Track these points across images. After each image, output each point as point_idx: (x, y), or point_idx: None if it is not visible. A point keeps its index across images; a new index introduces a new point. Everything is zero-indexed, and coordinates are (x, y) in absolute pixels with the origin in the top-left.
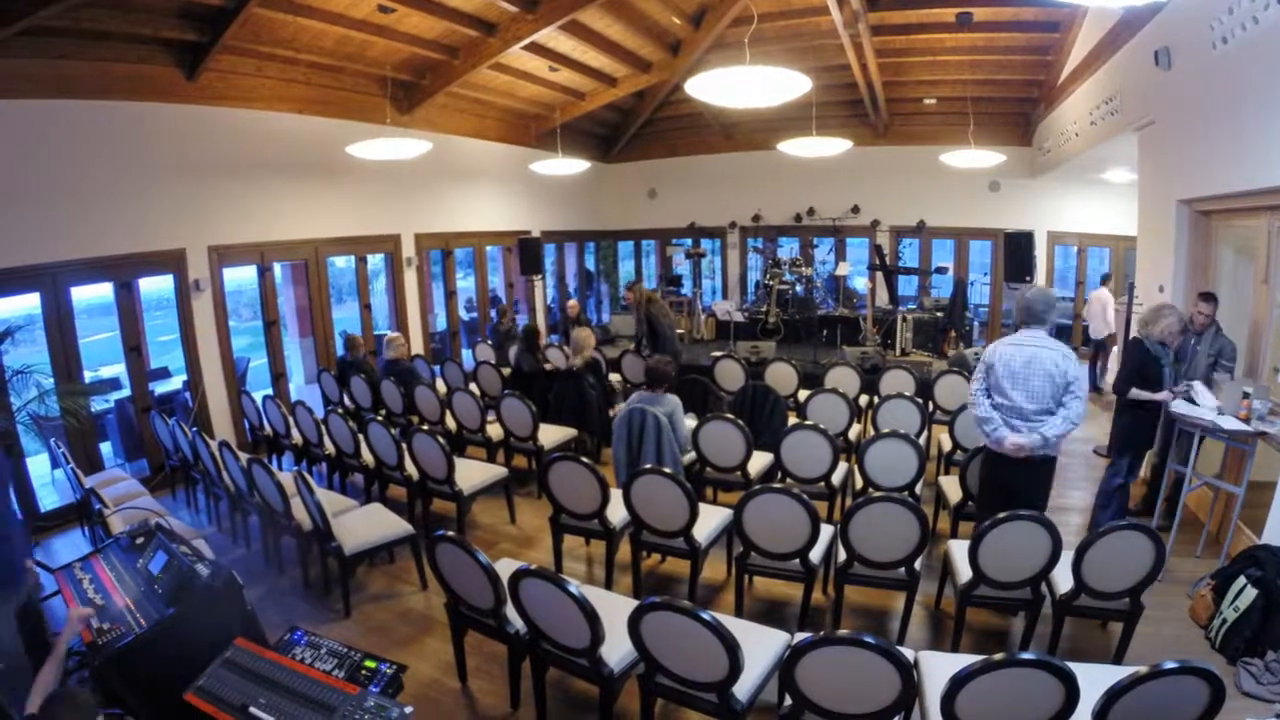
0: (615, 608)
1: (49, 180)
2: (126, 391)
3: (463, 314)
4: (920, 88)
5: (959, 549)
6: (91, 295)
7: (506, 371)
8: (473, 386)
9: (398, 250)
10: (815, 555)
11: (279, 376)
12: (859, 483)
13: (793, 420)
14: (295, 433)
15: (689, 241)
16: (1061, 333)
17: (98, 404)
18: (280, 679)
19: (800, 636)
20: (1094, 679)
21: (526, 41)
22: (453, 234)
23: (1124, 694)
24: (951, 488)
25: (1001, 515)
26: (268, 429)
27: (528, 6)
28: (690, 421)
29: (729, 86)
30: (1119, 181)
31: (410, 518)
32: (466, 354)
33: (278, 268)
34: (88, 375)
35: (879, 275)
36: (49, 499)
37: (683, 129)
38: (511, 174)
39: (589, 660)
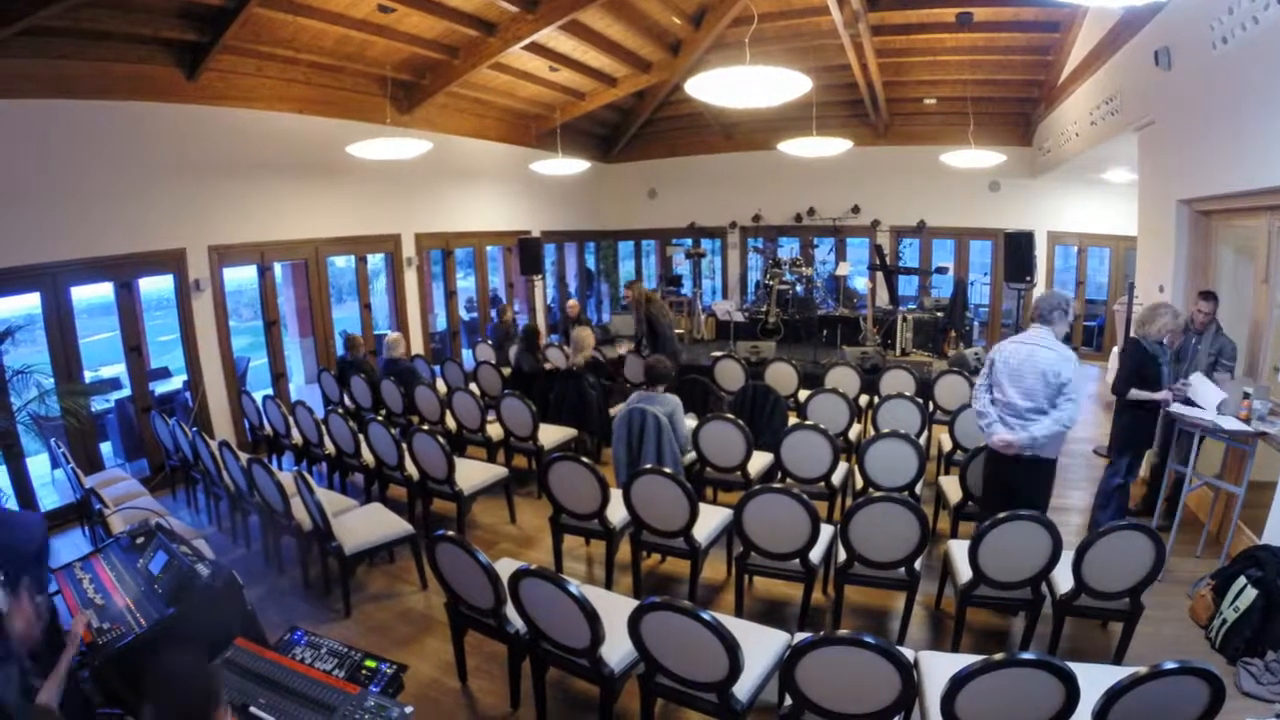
0: (615, 608)
1: (49, 180)
2: (127, 391)
3: (463, 314)
4: (920, 88)
5: (959, 549)
6: (92, 295)
7: (507, 371)
8: (473, 386)
9: (398, 250)
10: (815, 555)
11: (279, 376)
12: (859, 483)
13: (793, 420)
14: (295, 432)
15: (689, 241)
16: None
17: (98, 404)
18: (280, 679)
19: (800, 636)
20: (1094, 679)
21: (526, 41)
22: (453, 234)
23: (1124, 694)
24: (952, 488)
25: (1001, 515)
26: (268, 429)
27: (528, 6)
28: (690, 421)
29: (729, 86)
30: (1119, 181)
31: (410, 517)
32: (467, 354)
33: (278, 267)
34: (88, 375)
35: (879, 275)
36: (49, 499)
37: (683, 129)
38: (512, 174)
39: (589, 660)
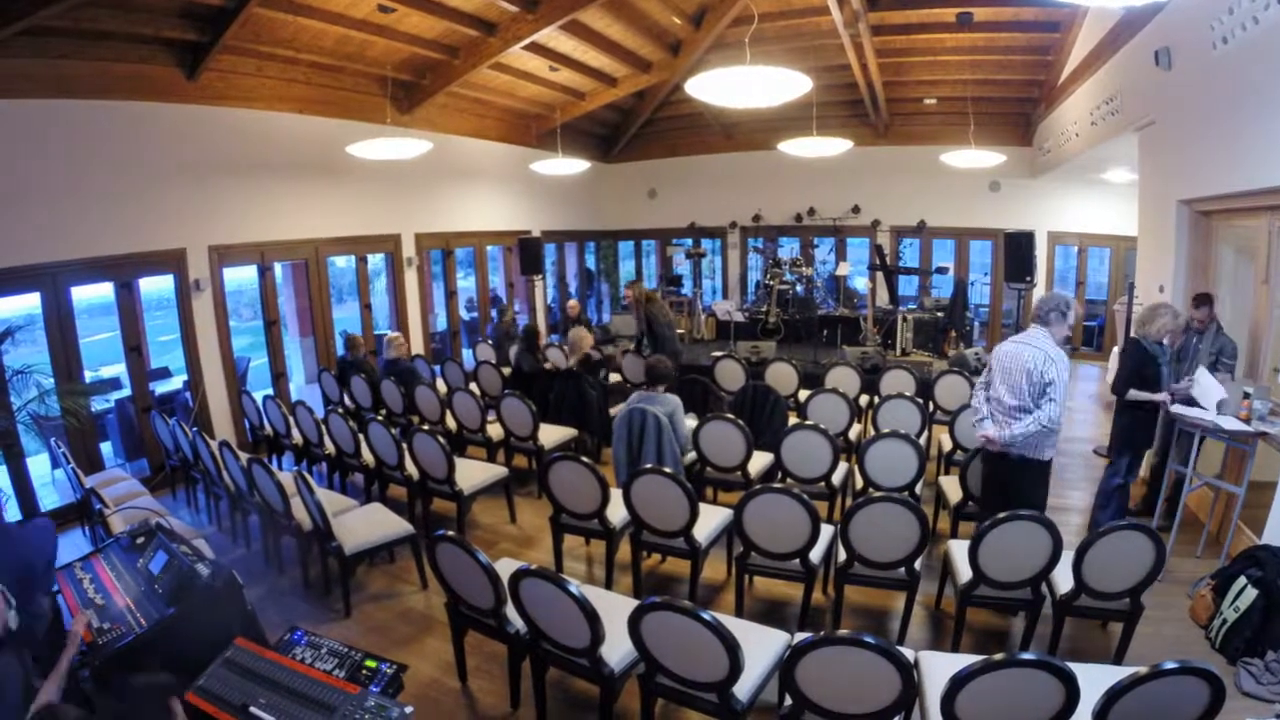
0: (615, 608)
1: (49, 180)
2: (127, 391)
3: (463, 314)
4: (920, 88)
5: (959, 549)
6: (92, 295)
7: (507, 371)
8: (473, 386)
9: (398, 250)
10: (815, 555)
11: (279, 376)
12: (859, 483)
13: (793, 420)
14: (295, 432)
15: (689, 241)
16: None
17: (98, 404)
18: (281, 679)
19: (800, 636)
20: (1094, 679)
21: (527, 41)
22: (453, 234)
23: (1124, 694)
24: (952, 488)
25: (1001, 515)
26: (268, 429)
27: (528, 6)
28: (690, 421)
29: (729, 86)
30: (1119, 182)
31: (410, 517)
32: (467, 354)
33: (278, 267)
34: (88, 375)
35: (879, 275)
36: (49, 499)
37: (683, 129)
38: (512, 174)
39: (589, 660)
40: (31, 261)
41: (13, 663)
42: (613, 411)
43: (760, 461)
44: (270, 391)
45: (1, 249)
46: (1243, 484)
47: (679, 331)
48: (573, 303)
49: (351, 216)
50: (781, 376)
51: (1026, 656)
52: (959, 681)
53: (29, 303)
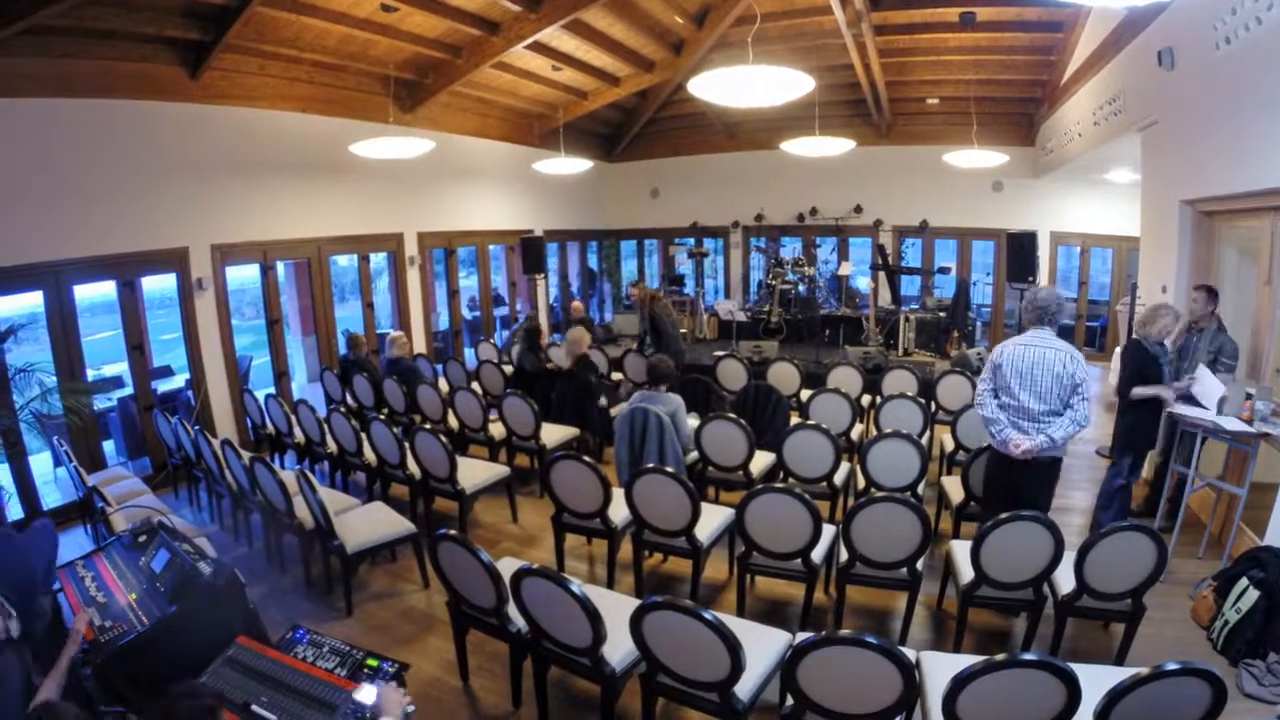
0: (617, 607)
1: (52, 179)
2: (129, 390)
3: (465, 313)
4: (923, 87)
5: (961, 549)
6: (94, 294)
7: (509, 370)
8: (475, 385)
9: (400, 249)
10: (817, 555)
11: (281, 375)
12: (861, 483)
13: (795, 420)
14: (297, 431)
15: (692, 241)
16: (1065, 332)
17: (100, 402)
18: (282, 677)
19: (802, 636)
20: (1096, 680)
21: (529, 41)
22: (455, 233)
23: (1126, 695)
24: (954, 488)
25: (1003, 516)
26: (270, 427)
27: (530, 6)
28: (692, 421)
29: (732, 86)
30: (1122, 182)
31: (412, 516)
32: (469, 353)
33: (280, 266)
34: (90, 373)
35: (881, 275)
36: (51, 497)
37: (685, 128)
38: (514, 173)
39: (591, 659)
40: (34, 260)
41: (13, 661)
42: (614, 411)
43: (762, 461)
44: (272, 390)
45: (4, 247)
46: (1245, 485)
47: (681, 331)
48: (576, 304)
49: (354, 215)
50: (783, 376)
51: (1028, 657)
52: (960, 682)
53: (31, 301)
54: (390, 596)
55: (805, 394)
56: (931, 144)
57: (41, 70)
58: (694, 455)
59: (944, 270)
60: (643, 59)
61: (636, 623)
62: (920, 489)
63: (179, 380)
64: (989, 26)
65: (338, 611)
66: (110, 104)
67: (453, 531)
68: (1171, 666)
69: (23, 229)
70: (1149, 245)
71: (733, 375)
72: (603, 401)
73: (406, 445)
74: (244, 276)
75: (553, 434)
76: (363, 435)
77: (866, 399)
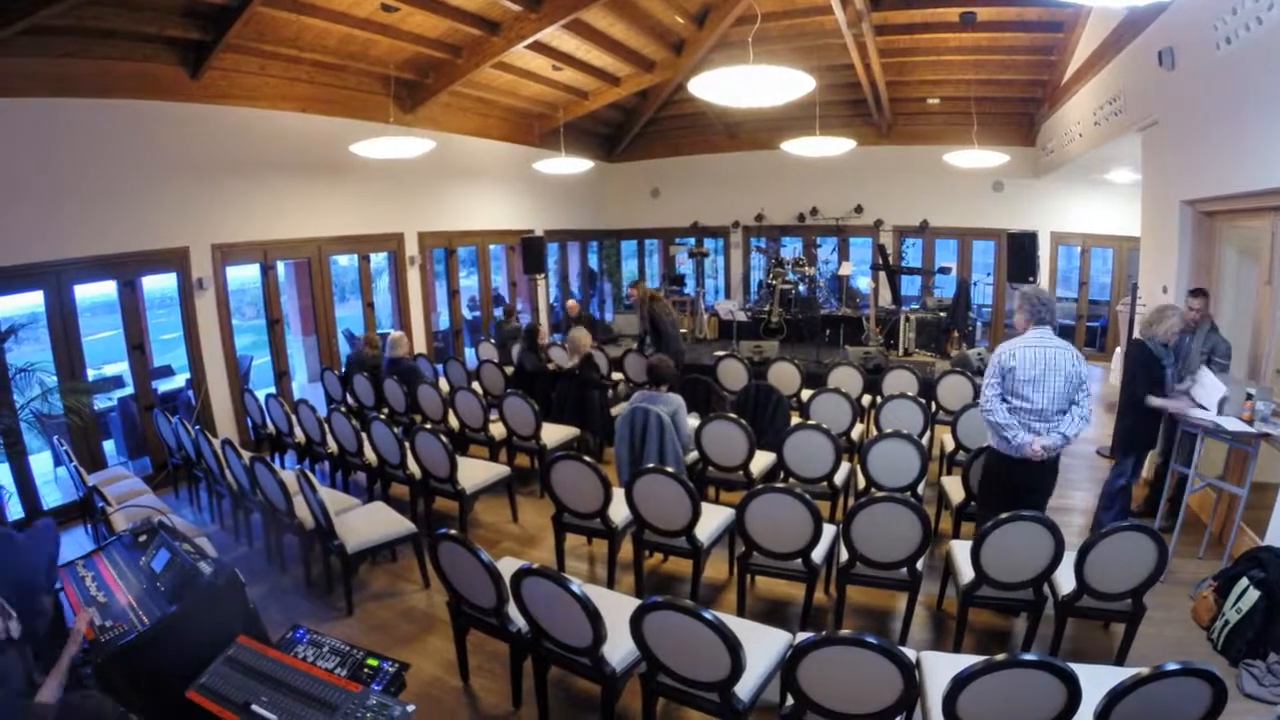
0: (617, 607)
1: (52, 179)
2: (129, 389)
3: (466, 313)
4: (924, 87)
5: (961, 549)
6: (95, 293)
7: (509, 370)
8: (476, 385)
9: (401, 249)
10: (817, 555)
11: (282, 375)
12: (861, 483)
13: (795, 420)
14: (298, 431)
15: (692, 241)
16: (1065, 332)
17: (100, 402)
18: (282, 677)
19: (802, 636)
20: (1096, 680)
21: (530, 41)
22: (456, 233)
23: (1126, 695)
24: (954, 488)
25: (1004, 516)
26: (270, 427)
27: (531, 6)
28: (693, 421)
29: (732, 86)
30: (1123, 182)
31: (413, 516)
32: (469, 353)
33: (281, 266)
34: (91, 373)
35: (882, 275)
36: (52, 496)
37: (686, 128)
38: (515, 173)
39: (591, 659)
40: (34, 260)
41: (14, 661)
42: (614, 411)
43: (762, 461)
44: (273, 390)
45: (4, 247)
46: (1245, 485)
47: (681, 331)
48: (572, 303)
49: (354, 215)
50: (784, 376)
51: (1028, 657)
52: (961, 682)
53: (32, 301)
54: (390, 596)
55: (806, 394)
56: (932, 144)
57: (42, 70)
58: (694, 455)
59: (944, 270)
60: (643, 59)
61: (637, 623)
62: (920, 489)
63: (179, 380)
64: (989, 26)
65: (338, 611)
66: (111, 104)
67: (453, 531)
68: (1172, 667)
69: (23, 229)
70: (1149, 245)
71: (733, 375)
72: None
73: (407, 445)
74: (244, 276)
75: (553, 434)
76: (363, 435)
77: (867, 399)
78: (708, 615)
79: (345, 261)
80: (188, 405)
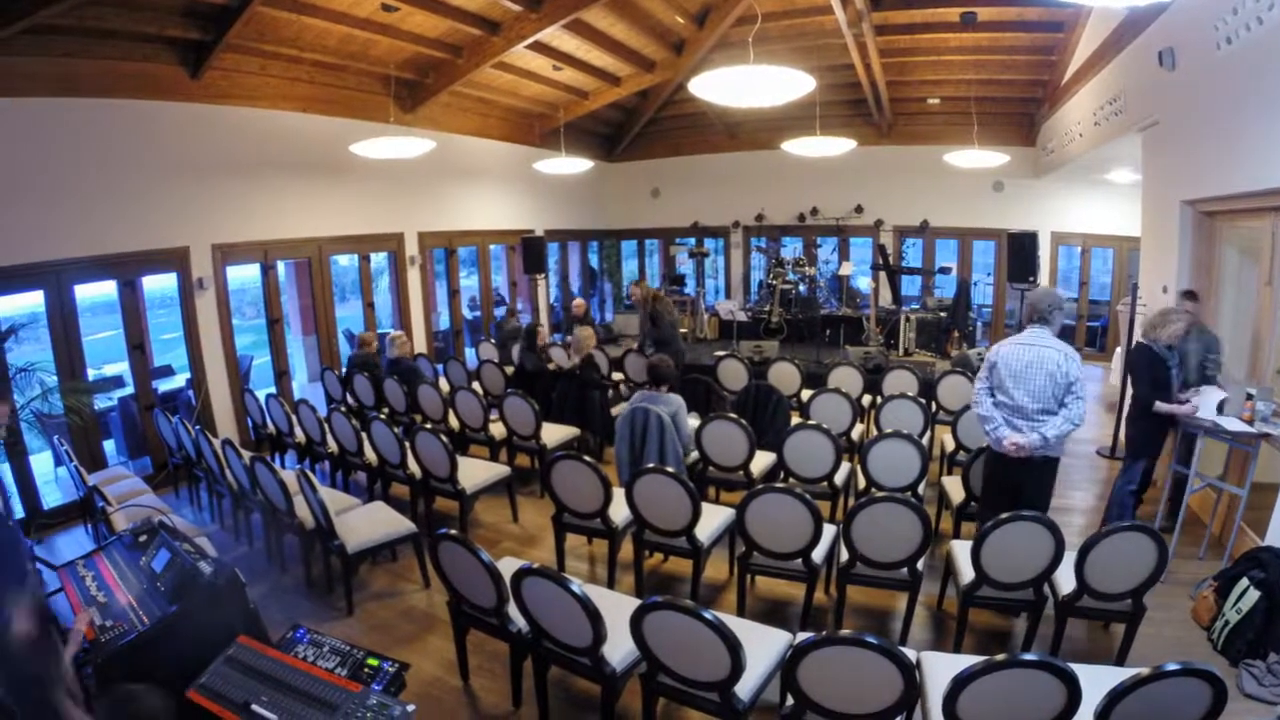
0: (617, 607)
1: (53, 178)
2: (130, 389)
3: (466, 313)
4: (924, 87)
5: (961, 549)
6: (95, 293)
7: (510, 370)
8: (476, 385)
9: (401, 249)
10: (818, 555)
11: (282, 374)
12: (861, 483)
13: (795, 420)
14: (298, 431)
15: (692, 241)
16: (1066, 332)
17: (101, 401)
18: (283, 677)
19: (802, 636)
20: (1096, 680)
21: (530, 40)
22: (456, 233)
23: (1126, 695)
24: (954, 488)
25: (1004, 516)
26: (271, 427)
27: (531, 6)
28: (693, 421)
29: (733, 86)
30: (1123, 182)
31: (413, 516)
32: (470, 352)
33: (281, 266)
34: (91, 373)
35: (882, 275)
36: (52, 496)
37: (686, 128)
38: (515, 173)
39: (591, 659)
40: (35, 259)
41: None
42: (615, 411)
43: (762, 461)
44: (273, 390)
45: (5, 247)
46: (1245, 485)
47: (681, 331)
48: (578, 301)
49: (355, 215)
50: (784, 376)
51: (1028, 657)
52: (961, 682)
53: (32, 300)
54: (391, 596)
55: (806, 394)
56: (932, 144)
57: (43, 70)
58: (694, 455)
59: (945, 270)
60: (643, 59)
61: (637, 622)
62: (921, 489)
63: (180, 380)
64: (990, 26)
65: (338, 611)
66: (111, 103)
67: (453, 531)
68: (1172, 667)
69: (24, 228)
70: (1150, 245)
71: (733, 375)
72: (608, 396)
73: (407, 445)
74: (244, 276)
75: (553, 434)
76: (363, 435)
77: (867, 399)
78: (708, 615)
79: (345, 261)
80: (188, 405)
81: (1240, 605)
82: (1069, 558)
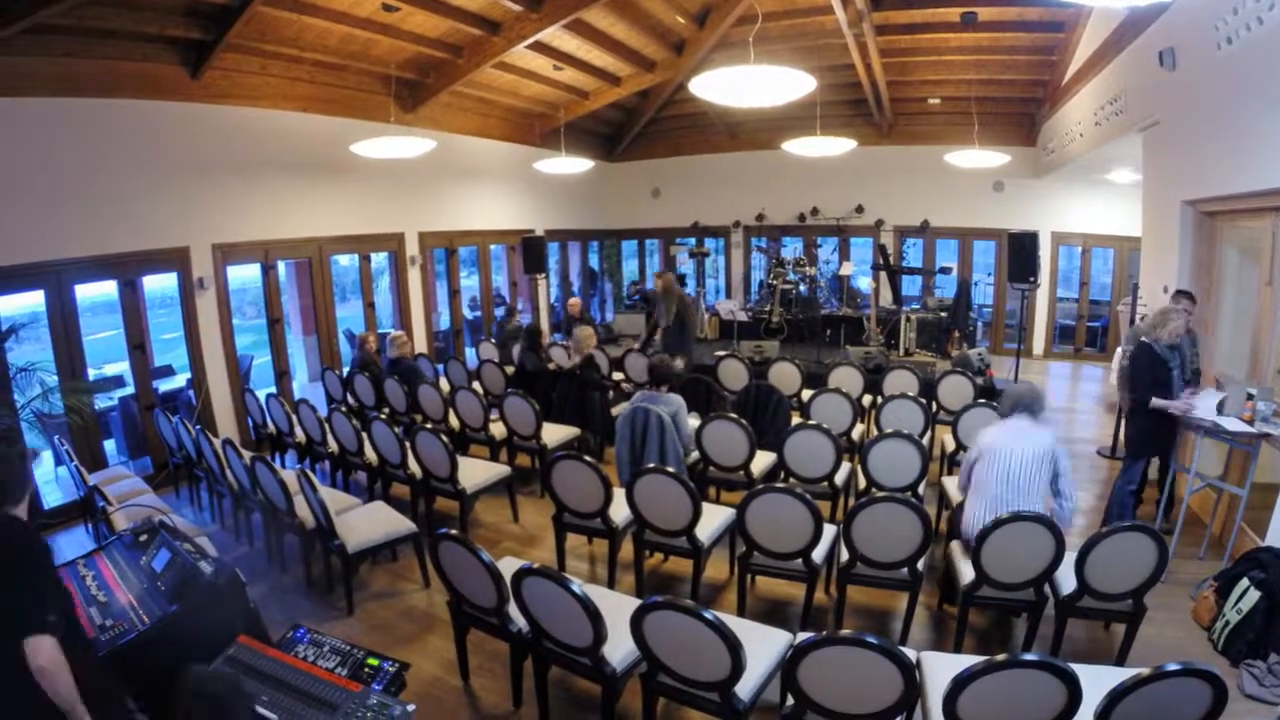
0: (618, 607)
1: (53, 178)
2: (130, 389)
3: (466, 313)
4: (924, 87)
5: (962, 549)
6: (95, 293)
7: (510, 370)
8: (476, 385)
9: (401, 249)
10: (818, 555)
11: (282, 374)
12: (862, 483)
13: (796, 420)
14: (299, 430)
15: (693, 241)
16: (1066, 333)
17: (101, 401)
18: (283, 676)
19: (803, 636)
20: (1097, 680)
21: (530, 40)
22: (456, 232)
23: (1126, 695)
24: (954, 488)
25: (1004, 516)
26: (271, 427)
27: (531, 5)
28: (693, 421)
29: (733, 86)
30: (1123, 182)
31: (413, 516)
32: (470, 352)
33: (281, 266)
34: (91, 373)
35: (883, 275)
36: (52, 496)
37: (687, 128)
38: (515, 173)
39: (591, 659)
40: (35, 259)
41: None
42: (615, 411)
43: (763, 461)
44: (273, 390)
45: (5, 247)
46: (1245, 485)
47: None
48: (574, 300)
49: (355, 215)
50: (784, 376)
51: (1029, 657)
52: (961, 682)
53: (33, 300)
54: (391, 596)
55: (806, 394)
56: (933, 144)
57: (43, 70)
58: (695, 455)
59: (945, 270)
60: (644, 59)
61: (637, 622)
62: (921, 489)
63: (180, 379)
64: (990, 26)
65: (338, 611)
66: (112, 103)
67: (453, 531)
68: (1172, 667)
69: (24, 228)
70: (1150, 245)
71: (734, 375)
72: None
73: (407, 445)
74: (245, 276)
75: (554, 434)
76: (364, 435)
77: (867, 399)
78: (708, 615)
79: (346, 261)
80: (188, 405)
81: (1241, 605)
82: (1069, 558)
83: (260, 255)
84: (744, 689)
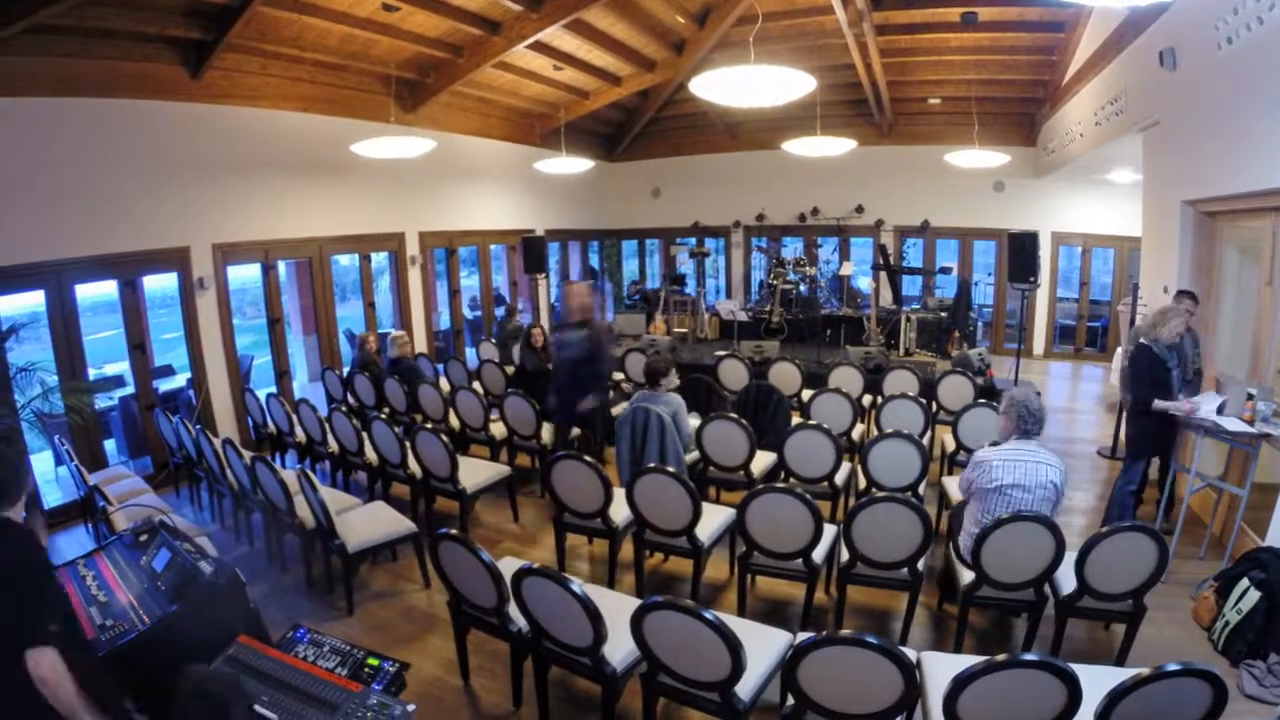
0: (618, 607)
1: (53, 178)
2: (130, 389)
3: (467, 312)
4: (925, 87)
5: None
6: (96, 293)
7: (510, 370)
8: (476, 385)
9: (402, 249)
10: (818, 555)
11: (282, 374)
12: (862, 483)
13: (796, 420)
14: (299, 430)
15: (693, 240)
16: (1066, 333)
17: (101, 401)
18: (283, 676)
19: (803, 636)
20: (1097, 680)
21: (530, 40)
22: (457, 232)
23: (1126, 695)
24: (955, 488)
25: (1004, 516)
26: (271, 427)
27: (532, 5)
28: (694, 421)
29: (733, 86)
30: (1124, 182)
31: (413, 516)
32: (470, 352)
33: (282, 266)
34: (92, 373)
35: (883, 275)
36: (53, 496)
37: (687, 128)
38: (515, 173)
39: (591, 659)
40: (36, 259)
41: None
42: (615, 411)
43: (763, 461)
44: (273, 389)
45: (5, 246)
46: (1246, 486)
47: (681, 331)
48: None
49: (355, 215)
50: (785, 376)
51: (1029, 657)
52: (961, 682)
53: (33, 300)
54: (391, 596)
55: (806, 394)
56: (933, 144)
57: (43, 69)
58: (695, 455)
59: (945, 270)
60: (644, 59)
61: (637, 622)
62: (921, 489)
63: (180, 379)
64: (990, 26)
65: (339, 611)
66: (112, 103)
67: (454, 531)
68: (1172, 667)
69: (24, 228)
70: (1150, 245)
71: (734, 375)
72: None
73: (408, 445)
74: (245, 276)
75: (554, 434)
76: (364, 434)
77: (868, 399)
78: (708, 615)
79: (346, 261)
80: (189, 405)
81: (1241, 605)
82: (1069, 558)
83: (260, 255)
84: (744, 689)
